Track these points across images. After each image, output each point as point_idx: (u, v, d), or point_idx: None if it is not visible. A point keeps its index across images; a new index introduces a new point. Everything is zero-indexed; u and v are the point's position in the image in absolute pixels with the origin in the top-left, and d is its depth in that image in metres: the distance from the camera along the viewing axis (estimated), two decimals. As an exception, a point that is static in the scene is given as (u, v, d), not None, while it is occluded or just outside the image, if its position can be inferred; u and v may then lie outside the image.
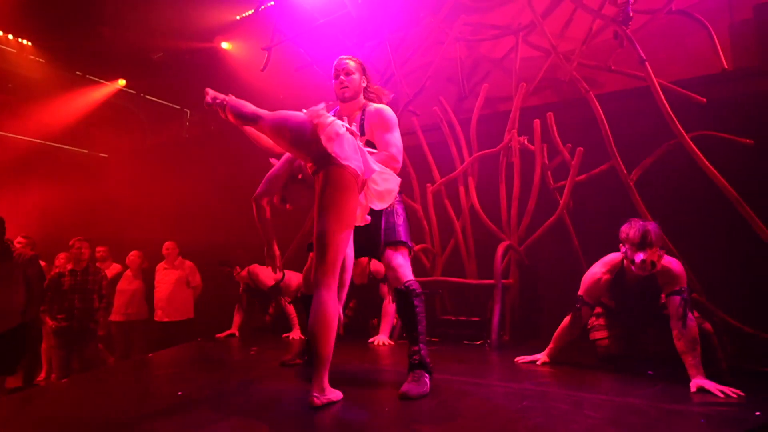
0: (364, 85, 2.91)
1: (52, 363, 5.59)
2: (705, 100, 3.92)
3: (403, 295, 2.66)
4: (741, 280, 3.87)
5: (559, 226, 4.51)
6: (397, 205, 2.86)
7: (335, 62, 2.93)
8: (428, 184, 5.22)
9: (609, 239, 4.25)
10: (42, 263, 5.83)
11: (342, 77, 2.86)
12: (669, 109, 3.94)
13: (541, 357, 3.35)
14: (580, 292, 3.22)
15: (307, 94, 6.32)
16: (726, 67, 3.96)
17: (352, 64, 2.88)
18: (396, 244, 2.77)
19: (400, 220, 2.81)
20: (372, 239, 2.82)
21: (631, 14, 4.08)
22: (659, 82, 3.99)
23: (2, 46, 7.80)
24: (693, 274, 3.81)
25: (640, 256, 2.87)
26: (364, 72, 2.92)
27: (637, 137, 4.21)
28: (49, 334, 5.51)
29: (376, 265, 4.58)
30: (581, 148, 4.33)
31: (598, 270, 3.21)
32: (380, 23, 5.56)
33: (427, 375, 2.51)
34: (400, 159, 2.76)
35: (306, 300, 3.14)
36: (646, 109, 4.16)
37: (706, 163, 3.81)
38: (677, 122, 3.91)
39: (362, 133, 2.79)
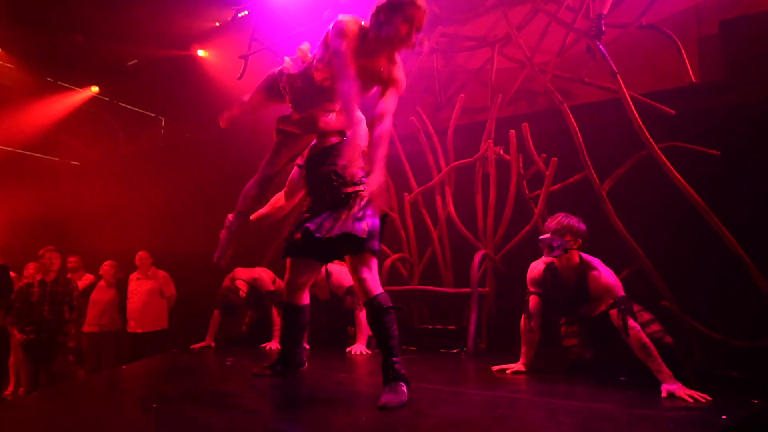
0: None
1: (19, 377, 5.47)
2: (674, 112, 4.04)
3: (372, 312, 2.59)
4: (710, 288, 3.96)
5: (535, 235, 4.52)
6: (366, 210, 2.67)
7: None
8: (405, 194, 5.24)
9: (582, 247, 4.36)
10: (12, 274, 5.88)
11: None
12: (639, 121, 4.04)
13: (517, 365, 3.35)
14: (528, 286, 3.41)
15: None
16: (694, 80, 4.10)
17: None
18: (359, 251, 2.62)
19: (364, 224, 2.60)
20: (333, 245, 2.68)
21: (603, 29, 4.19)
22: (630, 95, 4.09)
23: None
24: (664, 281, 3.92)
25: (545, 236, 3.16)
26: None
27: (609, 148, 4.29)
28: (16, 347, 5.38)
29: (336, 280, 4.46)
30: (556, 159, 4.40)
31: (538, 262, 3.45)
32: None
33: (403, 384, 2.47)
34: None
35: (288, 308, 3.11)
36: (618, 120, 4.25)
37: (675, 173, 3.91)
38: (647, 133, 4.02)
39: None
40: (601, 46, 4.22)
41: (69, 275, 6.08)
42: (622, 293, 2.96)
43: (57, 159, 8.74)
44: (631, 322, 2.82)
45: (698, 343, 3.80)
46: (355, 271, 2.62)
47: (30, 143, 8.37)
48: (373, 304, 2.56)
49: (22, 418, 2.49)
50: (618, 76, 4.12)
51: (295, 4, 5.99)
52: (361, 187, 2.71)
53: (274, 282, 4.87)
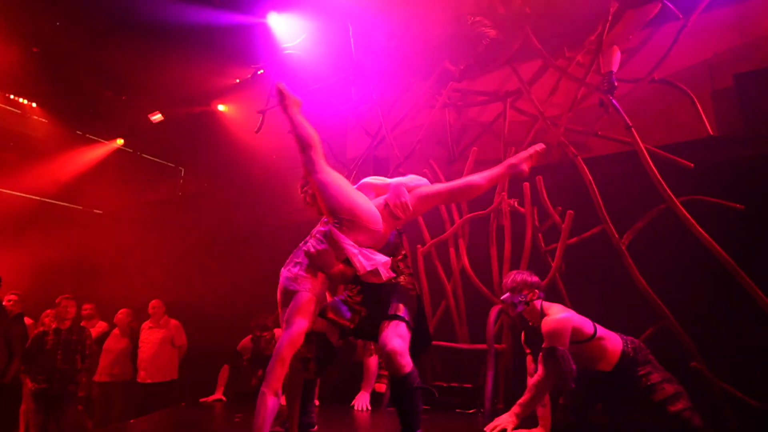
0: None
1: (29, 426, 5.10)
2: (692, 164, 3.74)
3: (400, 389, 2.35)
4: (742, 349, 3.55)
5: (552, 289, 4.19)
6: (403, 288, 2.57)
7: None
8: (418, 246, 4.93)
9: (602, 301, 3.98)
10: (29, 321, 5.69)
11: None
12: (657, 174, 3.76)
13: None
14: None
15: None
16: (711, 133, 3.83)
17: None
18: (394, 319, 2.42)
19: (406, 295, 2.52)
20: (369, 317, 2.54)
21: (616, 84, 3.96)
22: (646, 147, 3.82)
23: (7, 107, 7.69)
24: (692, 341, 3.51)
25: (504, 296, 3.17)
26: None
27: (627, 200, 4.01)
28: (27, 396, 5.05)
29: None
30: (571, 212, 4.11)
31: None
32: (372, 88, 5.44)
33: None
34: None
35: None
36: (634, 172, 3.98)
37: (698, 228, 3.59)
38: (666, 187, 3.71)
39: None
40: (614, 101, 4.00)
41: (83, 323, 5.82)
42: (554, 345, 2.84)
43: (81, 207, 8.63)
44: (539, 373, 2.87)
45: (732, 408, 3.34)
46: (388, 341, 2.37)
47: (56, 192, 8.30)
48: (403, 383, 2.33)
49: None
50: (633, 129, 3.86)
51: (310, 62, 5.90)
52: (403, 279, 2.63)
53: None
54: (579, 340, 2.92)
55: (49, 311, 5.57)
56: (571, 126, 4.36)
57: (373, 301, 2.59)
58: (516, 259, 4.40)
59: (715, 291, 3.66)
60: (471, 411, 3.96)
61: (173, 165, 8.50)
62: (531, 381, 2.94)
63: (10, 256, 6.79)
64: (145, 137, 7.97)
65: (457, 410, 4.01)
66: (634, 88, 4.20)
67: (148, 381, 5.69)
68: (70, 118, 7.84)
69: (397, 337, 2.37)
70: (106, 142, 8.14)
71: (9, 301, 5.44)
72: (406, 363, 2.33)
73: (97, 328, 6.15)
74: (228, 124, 7.08)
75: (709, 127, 3.83)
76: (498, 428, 2.91)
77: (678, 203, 3.65)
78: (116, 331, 6.00)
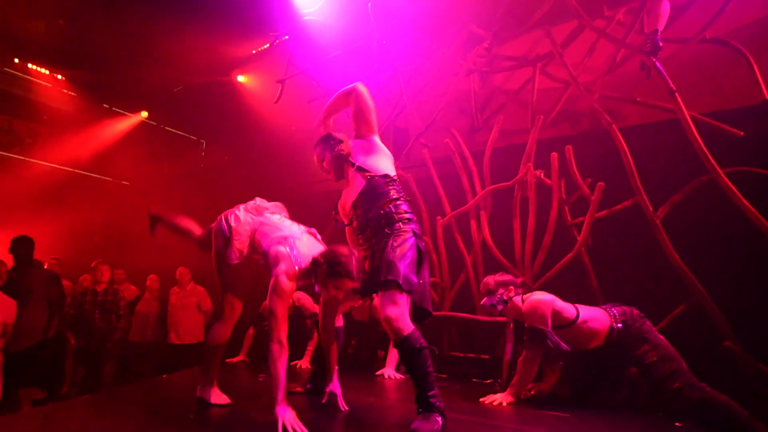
0: (333, 154, 2.64)
1: (73, 379, 5.37)
2: (742, 133, 3.29)
3: (403, 353, 2.26)
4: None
5: (577, 264, 3.87)
6: (396, 239, 2.36)
7: None
8: (438, 218, 4.64)
9: (631, 278, 3.64)
10: (68, 283, 5.83)
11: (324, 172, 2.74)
12: (702, 143, 3.31)
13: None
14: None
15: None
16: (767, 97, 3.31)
17: (316, 159, 2.75)
18: (385, 285, 2.27)
19: (395, 255, 2.31)
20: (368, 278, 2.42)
21: (661, 44, 3.48)
22: (690, 115, 3.38)
23: (39, 81, 7.62)
24: (726, 321, 3.15)
25: (483, 301, 3.15)
26: (325, 147, 2.68)
27: (663, 172, 3.62)
28: (71, 352, 5.30)
29: (375, 308, 4.07)
30: (602, 183, 3.72)
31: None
32: (393, 55, 5.04)
33: (438, 416, 2.20)
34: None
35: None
36: (674, 141, 3.57)
37: (744, 201, 3.17)
38: (711, 157, 3.28)
39: (353, 166, 2.60)
40: (657, 63, 3.51)
41: (115, 286, 5.86)
42: (535, 325, 2.88)
43: (110, 179, 8.63)
44: (524, 353, 2.93)
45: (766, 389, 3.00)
46: (382, 308, 2.31)
47: (87, 164, 8.30)
48: (403, 346, 2.26)
49: (74, 419, 2.50)
50: (676, 94, 3.40)
51: (328, 31, 5.53)
52: (401, 225, 2.44)
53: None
54: (561, 324, 2.90)
55: (86, 275, 5.91)
56: (607, 92, 3.92)
57: (374, 257, 2.45)
58: (540, 232, 4.08)
59: (755, 269, 3.27)
60: (488, 381, 3.81)
61: (195, 137, 8.34)
62: (519, 360, 3.00)
63: (46, 224, 6.85)
64: (167, 110, 7.80)
65: (474, 380, 3.88)
66: (680, 50, 3.70)
67: (177, 342, 5.82)
68: (96, 91, 7.83)
69: (390, 303, 2.27)
70: (131, 114, 8.04)
71: (50, 264, 5.65)
72: (403, 326, 2.25)
73: (128, 292, 6.25)
74: (247, 95, 6.85)
75: (766, 92, 3.32)
76: (495, 402, 2.93)
77: (723, 175, 3.22)
78: (147, 295, 6.16)
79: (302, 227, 2.65)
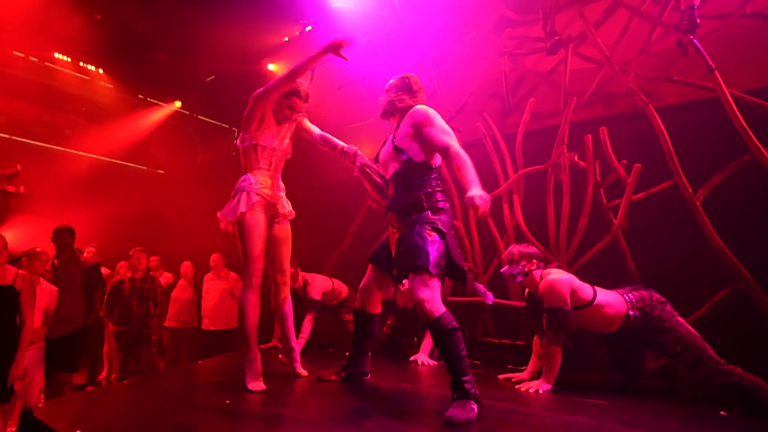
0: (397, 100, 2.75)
1: (112, 364, 5.61)
2: (787, 110, 3.21)
3: (435, 335, 2.31)
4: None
5: (614, 248, 3.85)
6: (426, 226, 2.41)
7: None
8: (470, 202, 4.64)
9: (670, 261, 3.61)
10: (106, 271, 6.06)
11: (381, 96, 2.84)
12: (743, 122, 3.25)
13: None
14: None
15: (348, 112, 5.97)
16: (813, 74, 3.24)
17: (391, 82, 2.83)
18: (416, 269, 2.33)
19: (424, 241, 2.36)
20: (394, 263, 2.58)
21: (698, 21, 3.42)
22: (731, 92, 3.31)
23: (78, 74, 7.92)
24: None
25: (503, 269, 3.20)
26: (404, 89, 2.75)
27: (703, 153, 3.54)
28: (110, 337, 5.54)
29: (404, 296, 4.17)
30: (638, 165, 3.69)
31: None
32: (422, 40, 5.06)
33: (473, 402, 2.22)
34: (453, 142, 2.44)
35: (359, 314, 3.00)
36: (712, 121, 3.50)
37: (790, 181, 3.10)
38: (753, 136, 3.22)
39: (393, 142, 2.66)
40: (694, 40, 3.45)
41: (151, 273, 6.03)
42: (554, 305, 2.89)
43: (145, 168, 8.91)
44: (548, 336, 2.92)
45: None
46: (414, 291, 2.36)
47: (123, 154, 8.58)
48: (435, 327, 2.30)
49: (114, 402, 2.59)
50: (716, 72, 3.34)
51: (357, 18, 5.58)
52: (430, 213, 2.49)
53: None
54: (577, 305, 2.90)
55: (123, 262, 6.09)
56: (642, 71, 3.87)
57: (401, 240, 2.54)
58: (574, 215, 4.06)
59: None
60: (523, 368, 3.76)
61: (227, 126, 8.54)
62: (543, 346, 2.99)
63: (85, 213, 7.12)
64: (200, 99, 8.00)
65: (509, 366, 3.86)
66: (719, 26, 3.63)
67: (212, 328, 5.93)
68: (132, 82, 8.04)
69: (421, 286, 2.32)
70: (165, 104, 8.27)
71: (89, 252, 5.82)
72: (435, 308, 2.29)
73: (164, 278, 6.44)
74: (278, 83, 6.90)
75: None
76: (531, 389, 2.93)
77: (766, 153, 3.16)
78: (182, 281, 6.27)
79: None
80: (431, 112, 2.57)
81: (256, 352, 2.79)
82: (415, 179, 2.54)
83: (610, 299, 2.91)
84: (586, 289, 2.92)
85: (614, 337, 2.93)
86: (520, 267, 3.09)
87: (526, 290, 3.28)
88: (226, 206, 2.87)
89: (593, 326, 2.95)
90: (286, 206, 3.03)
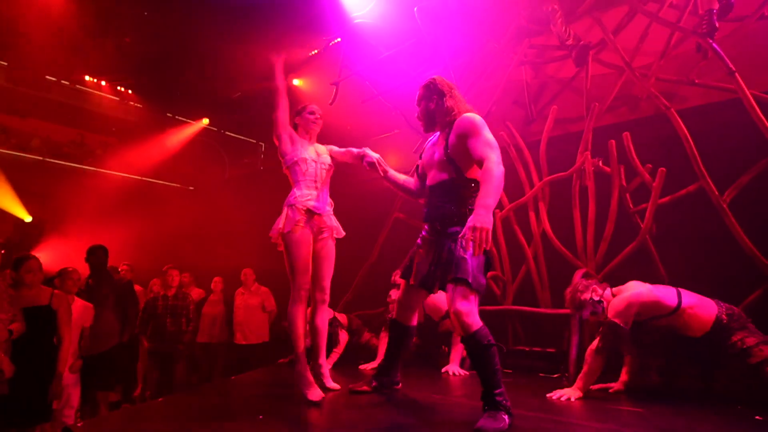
0: (434, 106, 2.73)
1: (146, 381, 5.72)
2: (810, 110, 3.35)
3: (471, 348, 2.37)
4: None
5: (642, 253, 4.00)
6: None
7: None
8: (496, 210, 4.85)
9: (699, 265, 3.73)
10: (139, 288, 6.17)
11: (417, 106, 2.81)
12: (766, 122, 3.39)
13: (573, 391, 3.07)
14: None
15: (373, 125, 6.25)
16: (834, 73, 3.37)
17: (424, 91, 2.78)
18: (457, 281, 2.38)
19: (467, 253, 2.37)
20: (432, 273, 2.59)
21: (717, 24, 3.59)
22: (752, 93, 3.46)
23: (109, 95, 8.39)
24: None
25: (584, 314, 3.18)
26: (441, 93, 2.70)
27: (728, 154, 3.67)
28: (144, 354, 5.66)
29: (433, 303, 4.19)
30: (663, 169, 3.84)
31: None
32: (443, 51, 5.34)
33: (505, 413, 2.26)
34: (491, 155, 2.39)
35: (396, 326, 3.04)
36: (737, 122, 3.63)
37: (816, 180, 3.22)
38: (777, 136, 3.36)
39: (446, 152, 2.62)
40: (714, 44, 3.62)
41: (183, 290, 6.31)
42: (611, 319, 2.97)
43: (177, 185, 9.30)
44: (594, 344, 3.00)
45: None
46: (452, 303, 2.39)
47: (155, 172, 8.97)
48: (471, 342, 2.34)
49: (152, 420, 2.61)
50: (736, 74, 3.50)
51: (379, 32, 5.88)
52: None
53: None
54: (660, 314, 2.91)
55: (156, 279, 6.28)
56: (663, 75, 4.03)
57: (431, 255, 2.63)
58: (601, 221, 4.22)
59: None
60: (555, 375, 3.90)
61: (254, 141, 8.91)
62: (587, 352, 3.02)
63: (118, 231, 7.47)
64: (227, 115, 8.38)
65: (541, 374, 3.97)
66: (739, 28, 3.78)
67: (243, 342, 6.10)
68: (160, 101, 8.42)
69: (461, 298, 2.35)
70: (193, 122, 8.69)
71: (122, 270, 6.06)
72: (473, 322, 2.33)
73: (195, 294, 6.59)
74: (302, 98, 7.27)
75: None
76: (563, 397, 2.97)
77: (791, 154, 3.31)
78: (213, 296, 6.47)
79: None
80: (477, 121, 2.50)
81: (305, 364, 2.92)
82: (462, 191, 2.56)
83: (700, 303, 2.92)
84: (669, 296, 2.92)
85: (692, 341, 2.92)
86: (590, 303, 3.07)
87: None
88: (275, 222, 3.03)
89: (680, 329, 2.93)
90: (333, 222, 3.13)
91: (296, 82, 7.26)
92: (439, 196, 2.64)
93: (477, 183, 2.49)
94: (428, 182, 2.74)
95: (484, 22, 5.05)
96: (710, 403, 2.87)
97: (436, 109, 2.70)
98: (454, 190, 2.58)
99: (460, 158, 2.55)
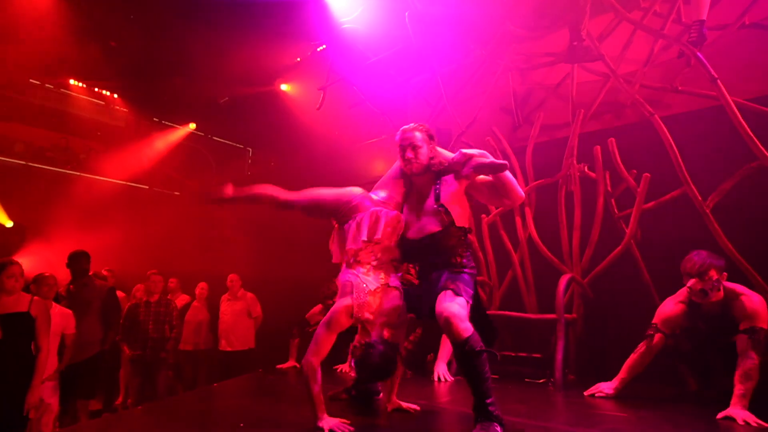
0: (431, 155, 2.65)
1: (128, 389, 5.67)
2: (790, 117, 3.41)
3: (462, 355, 2.30)
4: None
5: (627, 258, 4.04)
6: (456, 275, 2.51)
7: (399, 135, 2.70)
8: (483, 215, 4.89)
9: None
10: (121, 294, 6.14)
11: (409, 153, 2.63)
12: (748, 129, 3.45)
13: (607, 388, 3.25)
14: (655, 320, 3.21)
15: (360, 130, 6.27)
16: (813, 80, 3.44)
17: (418, 135, 2.65)
18: (454, 287, 2.40)
19: (462, 274, 2.48)
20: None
21: (705, 34, 3.65)
22: (734, 101, 3.52)
23: (94, 99, 8.32)
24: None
25: (691, 282, 2.97)
26: (430, 140, 2.67)
27: (711, 160, 3.73)
28: (126, 362, 5.59)
29: None
30: (648, 174, 3.90)
31: (673, 299, 3.21)
32: (430, 57, 5.37)
33: (497, 425, 2.25)
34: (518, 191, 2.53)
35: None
36: (719, 129, 3.70)
37: (796, 186, 3.28)
38: (758, 142, 3.42)
39: (438, 201, 2.58)
40: (697, 52, 3.68)
41: (168, 296, 6.24)
42: (762, 325, 2.79)
43: (162, 190, 9.26)
44: (753, 354, 2.74)
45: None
46: (445, 309, 2.34)
47: (139, 177, 8.92)
48: (464, 348, 2.28)
49: (131, 429, 2.60)
50: (719, 81, 3.56)
51: (366, 37, 5.92)
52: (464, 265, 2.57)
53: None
54: None
55: (139, 285, 6.16)
56: (648, 83, 4.10)
57: (425, 281, 2.61)
58: (587, 226, 4.26)
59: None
60: (541, 381, 3.93)
61: (241, 146, 8.89)
62: (744, 367, 2.72)
63: (101, 236, 7.36)
64: (214, 120, 8.36)
65: (527, 380, 3.99)
66: (721, 36, 3.86)
67: (228, 349, 6.07)
68: (146, 106, 8.39)
69: (454, 303, 2.34)
70: (180, 126, 8.65)
71: (104, 276, 5.97)
72: (466, 328, 2.29)
73: (180, 300, 6.57)
74: (291, 103, 7.28)
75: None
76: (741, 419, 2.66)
77: (772, 160, 3.36)
78: (196, 303, 6.41)
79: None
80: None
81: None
82: (452, 240, 2.55)
83: None
84: None
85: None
86: (714, 281, 2.90)
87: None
88: None
89: None
90: None
91: (284, 87, 7.27)
92: (429, 247, 2.59)
93: (465, 230, 2.58)
94: (421, 234, 2.63)
95: (471, 28, 5.09)
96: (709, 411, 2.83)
97: (433, 158, 2.65)
98: (444, 239, 2.56)
99: (453, 207, 2.57)
